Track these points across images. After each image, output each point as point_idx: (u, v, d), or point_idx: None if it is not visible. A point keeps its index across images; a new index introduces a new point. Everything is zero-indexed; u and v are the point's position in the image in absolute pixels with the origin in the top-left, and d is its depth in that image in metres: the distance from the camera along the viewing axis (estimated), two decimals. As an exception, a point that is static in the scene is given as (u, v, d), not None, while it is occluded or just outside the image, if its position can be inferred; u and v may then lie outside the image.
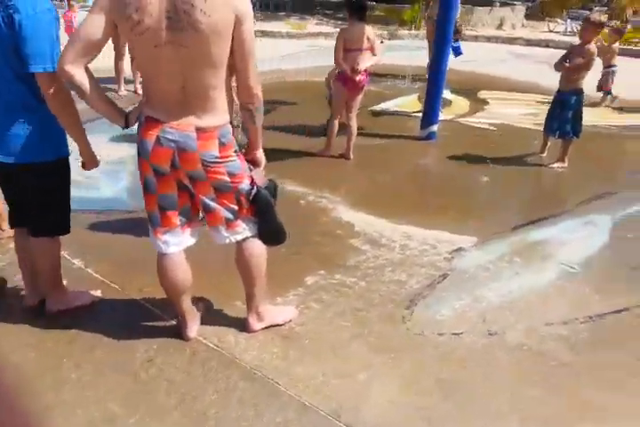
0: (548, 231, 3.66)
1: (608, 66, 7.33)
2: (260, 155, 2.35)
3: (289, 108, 6.61)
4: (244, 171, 2.23)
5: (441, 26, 5.31)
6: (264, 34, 11.92)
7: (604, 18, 4.69)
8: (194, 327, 2.41)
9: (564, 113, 4.80)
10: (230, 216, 2.25)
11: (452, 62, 9.11)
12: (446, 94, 7.48)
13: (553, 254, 3.35)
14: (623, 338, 2.59)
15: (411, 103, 7.01)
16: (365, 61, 4.61)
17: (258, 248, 2.35)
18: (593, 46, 4.59)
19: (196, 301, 2.55)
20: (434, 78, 5.48)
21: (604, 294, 2.94)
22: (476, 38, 12.39)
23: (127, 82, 7.02)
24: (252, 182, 2.26)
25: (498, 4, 15.89)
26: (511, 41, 12.19)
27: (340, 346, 2.42)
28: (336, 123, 4.91)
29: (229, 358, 2.29)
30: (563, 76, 4.79)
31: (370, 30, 4.63)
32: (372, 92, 7.72)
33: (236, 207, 2.24)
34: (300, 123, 5.83)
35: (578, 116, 4.79)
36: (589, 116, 6.61)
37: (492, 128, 6.11)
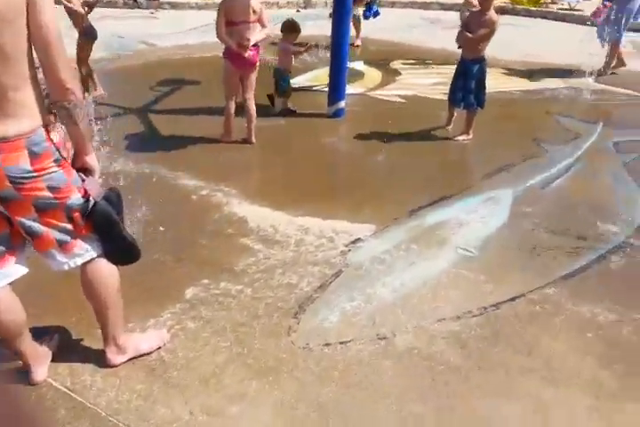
0: (447, 212, 3.54)
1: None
2: (92, 160, 1.99)
3: (193, 87, 6.14)
4: (71, 183, 1.90)
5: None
6: (172, 6, 11.12)
7: None
8: (40, 370, 2.10)
9: (468, 83, 4.65)
10: (64, 237, 1.93)
11: (367, 31, 8.99)
12: (358, 66, 7.28)
13: (450, 238, 3.24)
14: (516, 330, 2.51)
15: (323, 77, 6.63)
16: (254, 35, 4.25)
17: (106, 269, 2.05)
18: (494, 14, 4.42)
19: (46, 334, 2.24)
20: (336, 51, 5.13)
21: (500, 280, 2.85)
22: (392, 4, 12.09)
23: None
24: (86, 195, 1.94)
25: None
26: (426, 6, 11.92)
27: (213, 374, 2.20)
28: (231, 104, 4.54)
29: (81, 403, 2.01)
30: (465, 45, 4.64)
31: (255, 1, 4.24)
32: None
33: (69, 226, 1.93)
34: (206, 105, 5.41)
35: (481, 86, 4.66)
36: (496, 82, 6.67)
37: (401, 100, 5.92)
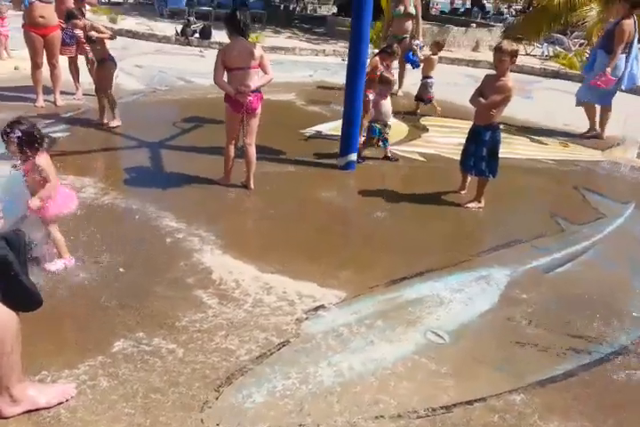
0: (430, 287, 3.22)
1: (425, 77, 7.28)
2: None
3: (214, 127, 6.07)
4: None
5: (354, 42, 4.86)
6: (220, 45, 11.51)
7: (515, 46, 4.30)
8: None
9: (479, 150, 4.38)
10: None
11: (406, 84, 8.94)
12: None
13: (423, 318, 2.90)
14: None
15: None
16: (254, 81, 4.19)
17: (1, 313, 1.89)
18: (510, 80, 4.18)
19: None
20: (350, 102, 5.03)
21: (463, 376, 2.49)
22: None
23: (47, 93, 6.59)
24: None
25: (474, 24, 15.71)
26: (474, 63, 11.85)
27: (98, 447, 1.96)
28: (231, 148, 4.46)
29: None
30: (477, 110, 4.42)
31: (256, 46, 4.22)
32: (312, 114, 7.41)
33: None
34: (219, 145, 5.42)
35: (493, 154, 4.37)
36: (529, 149, 6.38)
37: (420, 159, 5.71)
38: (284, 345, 2.59)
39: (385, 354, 2.58)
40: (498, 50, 4.11)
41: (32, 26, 6.11)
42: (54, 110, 6.30)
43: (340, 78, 7.36)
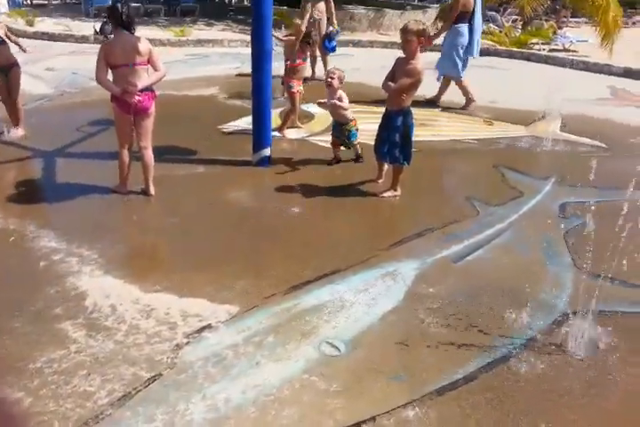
0: (332, 290, 2.95)
1: None
2: None
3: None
4: None
5: (256, 30, 4.53)
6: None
7: (422, 25, 4.07)
8: None
9: (392, 135, 4.12)
10: None
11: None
12: (311, 108, 6.89)
13: (320, 328, 2.63)
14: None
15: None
16: (142, 79, 3.80)
17: None
18: (419, 63, 3.91)
19: None
20: (257, 94, 4.68)
21: (355, 393, 2.24)
22: (371, 44, 11.87)
23: None
24: None
25: (409, 7, 15.51)
26: (398, 46, 11.68)
27: None
28: (124, 153, 4.05)
29: None
30: (389, 95, 4.17)
31: (142, 41, 3.81)
32: (235, 108, 7.03)
33: None
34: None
35: (407, 140, 4.13)
36: (452, 129, 6.21)
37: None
38: (154, 380, 2.27)
39: (270, 377, 2.30)
40: (403, 30, 3.85)
41: None
42: None
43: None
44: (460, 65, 6.86)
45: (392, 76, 4.09)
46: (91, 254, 3.28)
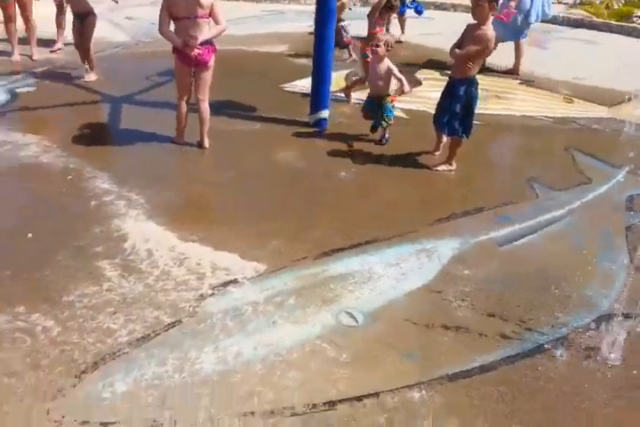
0: (363, 260, 2.90)
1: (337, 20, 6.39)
2: None
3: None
4: None
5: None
6: (223, -6, 10.90)
7: None
8: None
9: (453, 105, 3.89)
10: None
11: (409, 34, 8.25)
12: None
13: (342, 297, 2.61)
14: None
15: (334, 81, 6.10)
16: (203, 33, 3.77)
17: None
18: (489, 29, 3.62)
19: None
20: (318, 55, 4.54)
21: (363, 366, 2.21)
22: (453, 8, 11.14)
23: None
24: None
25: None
26: (497, 10, 10.90)
27: None
28: (182, 105, 4.09)
29: None
30: (454, 62, 3.90)
31: None
32: (301, 67, 6.87)
33: None
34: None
35: (468, 112, 3.88)
36: (526, 105, 5.78)
37: (403, 116, 5.22)
38: (173, 326, 2.36)
39: (283, 338, 2.32)
40: None
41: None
42: (29, 64, 6.04)
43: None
44: (521, 30, 6.47)
45: (460, 43, 3.84)
46: (139, 199, 3.40)
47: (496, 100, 5.94)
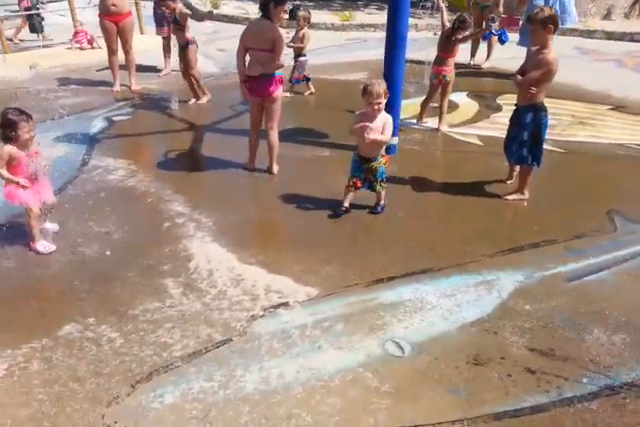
0: (414, 290, 2.85)
1: (298, 55, 6.42)
2: None
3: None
4: None
5: (392, 11, 4.40)
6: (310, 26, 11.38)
7: (548, 13, 3.50)
8: None
9: (520, 133, 3.76)
10: None
11: (497, 57, 8.10)
12: (459, 97, 6.56)
13: (391, 325, 2.58)
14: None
15: (410, 108, 6.13)
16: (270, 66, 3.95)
17: None
18: (550, 53, 3.50)
19: None
20: (389, 77, 4.55)
21: (406, 398, 2.15)
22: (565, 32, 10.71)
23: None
24: None
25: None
26: (589, 34, 10.38)
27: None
28: (253, 133, 4.33)
29: None
30: (519, 89, 3.78)
31: (275, 29, 3.91)
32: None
33: None
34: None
35: (536, 139, 3.74)
36: (621, 134, 5.43)
37: (478, 143, 5.10)
38: (224, 344, 2.46)
39: (327, 363, 2.34)
40: (532, 20, 3.49)
41: (106, 14, 6.51)
42: (127, 94, 6.69)
43: (422, 55, 6.89)
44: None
45: (523, 69, 3.74)
46: (207, 222, 3.61)
47: (581, 126, 5.66)
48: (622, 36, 10.26)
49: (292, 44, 6.36)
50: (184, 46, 5.99)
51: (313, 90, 6.64)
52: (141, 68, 7.00)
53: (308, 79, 6.64)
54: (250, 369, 2.30)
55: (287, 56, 4.70)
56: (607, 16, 12.61)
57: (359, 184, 3.72)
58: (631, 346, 2.46)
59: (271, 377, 2.26)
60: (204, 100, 6.27)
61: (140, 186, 4.17)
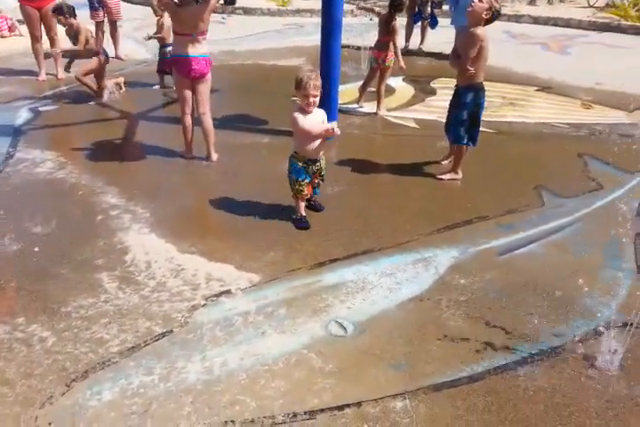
0: (358, 270, 2.89)
1: (163, 45, 6.01)
2: None
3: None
4: None
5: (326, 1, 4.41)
6: (245, 11, 11.18)
7: None
8: None
9: (460, 113, 3.86)
10: None
11: (429, 42, 8.25)
12: (395, 82, 6.64)
13: (333, 307, 2.60)
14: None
15: (347, 92, 6.15)
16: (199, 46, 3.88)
17: None
18: (480, 30, 3.56)
19: None
20: (324, 67, 4.59)
21: (349, 376, 2.19)
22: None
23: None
24: None
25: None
26: (517, 18, 10.75)
27: None
28: (187, 118, 4.20)
29: None
30: (458, 70, 3.88)
31: (207, 13, 3.84)
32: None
33: None
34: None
35: (475, 119, 3.84)
36: (547, 113, 5.67)
37: (414, 126, 5.20)
38: (164, 336, 2.40)
39: (271, 348, 2.33)
40: None
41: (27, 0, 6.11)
42: (54, 84, 6.33)
43: (358, 40, 6.91)
44: None
45: (455, 50, 3.83)
46: (143, 213, 3.50)
47: (511, 107, 5.88)
48: (547, 21, 10.72)
49: (152, 34, 6.00)
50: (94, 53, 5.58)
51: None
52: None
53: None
54: (192, 360, 2.26)
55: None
56: (532, 2, 13.14)
57: (311, 191, 3.40)
58: (558, 313, 2.60)
59: (214, 366, 2.23)
60: (105, 96, 5.74)
61: (69, 178, 3.98)
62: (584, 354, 2.33)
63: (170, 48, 5.90)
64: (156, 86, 6.21)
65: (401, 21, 7.96)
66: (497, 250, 3.11)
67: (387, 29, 5.15)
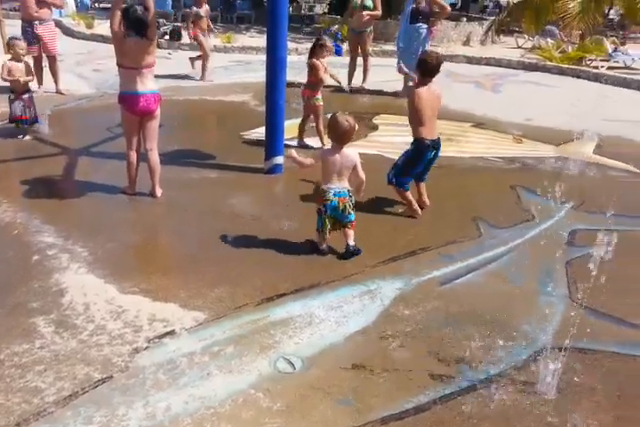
0: (305, 305, 2.90)
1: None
2: None
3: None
4: None
5: (271, 35, 4.54)
6: (191, 47, 11.31)
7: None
8: None
9: (399, 159, 4.08)
10: None
11: (371, 81, 8.61)
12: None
13: (281, 343, 2.59)
14: None
15: (291, 128, 6.28)
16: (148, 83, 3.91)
17: None
18: (410, 88, 3.87)
19: None
20: (271, 102, 4.72)
21: (297, 415, 2.15)
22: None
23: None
24: None
25: (465, 18, 15.22)
26: (451, 58, 11.45)
27: None
28: (132, 155, 4.15)
29: None
30: None
31: (152, 47, 3.90)
32: (263, 115, 7.07)
33: None
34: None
35: (404, 162, 4.01)
36: (481, 148, 5.96)
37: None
38: (103, 382, 2.30)
39: (217, 389, 2.28)
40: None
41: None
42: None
43: (302, 77, 7.07)
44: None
45: None
46: (82, 252, 3.38)
47: (449, 142, 6.17)
48: (480, 61, 11.48)
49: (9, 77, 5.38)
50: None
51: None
52: (4, 90, 6.45)
53: (35, 121, 5.53)
54: (133, 406, 2.17)
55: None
56: (467, 42, 14.04)
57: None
58: (497, 341, 2.69)
59: (157, 412, 2.14)
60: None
61: (4, 217, 3.80)
62: (524, 380, 2.42)
63: (29, 94, 5.55)
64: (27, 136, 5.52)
65: (345, 60, 8.45)
66: (439, 280, 3.21)
67: (309, 69, 5.43)
